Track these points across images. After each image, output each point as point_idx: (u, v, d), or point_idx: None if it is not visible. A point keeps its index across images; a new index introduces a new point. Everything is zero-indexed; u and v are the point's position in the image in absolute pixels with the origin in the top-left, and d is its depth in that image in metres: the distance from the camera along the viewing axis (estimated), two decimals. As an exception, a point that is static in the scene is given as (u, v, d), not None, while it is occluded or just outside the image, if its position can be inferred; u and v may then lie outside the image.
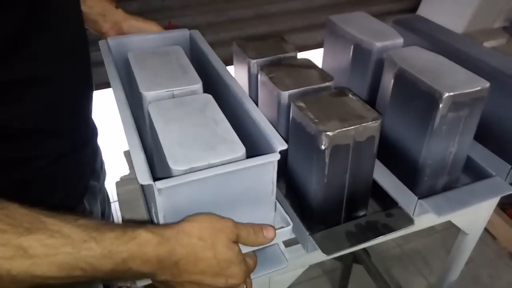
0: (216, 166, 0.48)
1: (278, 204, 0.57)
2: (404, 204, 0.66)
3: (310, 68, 0.69)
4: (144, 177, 0.45)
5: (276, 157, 0.49)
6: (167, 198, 0.46)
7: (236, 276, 0.47)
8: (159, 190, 0.45)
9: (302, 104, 0.59)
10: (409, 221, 0.60)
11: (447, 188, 0.68)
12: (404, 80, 0.64)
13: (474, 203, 0.63)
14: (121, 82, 0.63)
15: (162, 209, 0.47)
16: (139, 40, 0.75)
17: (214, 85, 0.66)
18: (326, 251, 0.56)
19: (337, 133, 0.54)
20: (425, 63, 0.65)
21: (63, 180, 0.61)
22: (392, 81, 0.67)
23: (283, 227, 0.56)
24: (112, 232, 0.41)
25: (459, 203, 0.63)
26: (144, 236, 0.42)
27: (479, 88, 0.59)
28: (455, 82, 0.60)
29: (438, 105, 0.59)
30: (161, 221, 0.49)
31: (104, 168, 0.80)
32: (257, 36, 0.82)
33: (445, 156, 0.64)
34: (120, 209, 0.67)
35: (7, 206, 0.38)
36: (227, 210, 0.50)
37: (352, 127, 0.55)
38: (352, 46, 0.75)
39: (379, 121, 0.56)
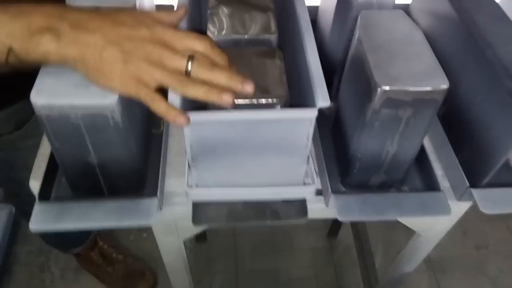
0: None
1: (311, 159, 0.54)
2: (324, 193, 0.59)
3: (264, 11, 0.58)
4: (174, 101, 0.42)
5: (313, 113, 0.44)
6: (194, 131, 0.46)
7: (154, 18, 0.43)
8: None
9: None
10: (301, 214, 0.53)
11: (383, 187, 0.59)
12: (357, 54, 0.53)
13: (392, 216, 0.54)
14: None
15: (189, 141, 0.47)
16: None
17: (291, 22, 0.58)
18: (196, 220, 0.53)
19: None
20: (390, 37, 0.52)
21: None
22: (352, 50, 0.55)
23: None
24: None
25: (372, 211, 0.54)
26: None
27: (427, 88, 0.47)
28: (404, 74, 0.48)
29: (371, 98, 0.48)
30: (189, 152, 0.48)
31: None
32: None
33: (379, 154, 0.54)
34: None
35: None
36: (254, 154, 0.48)
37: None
38: (338, -5, 0.62)
39: (279, 100, 0.47)
